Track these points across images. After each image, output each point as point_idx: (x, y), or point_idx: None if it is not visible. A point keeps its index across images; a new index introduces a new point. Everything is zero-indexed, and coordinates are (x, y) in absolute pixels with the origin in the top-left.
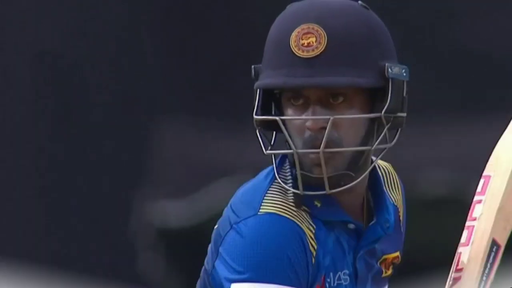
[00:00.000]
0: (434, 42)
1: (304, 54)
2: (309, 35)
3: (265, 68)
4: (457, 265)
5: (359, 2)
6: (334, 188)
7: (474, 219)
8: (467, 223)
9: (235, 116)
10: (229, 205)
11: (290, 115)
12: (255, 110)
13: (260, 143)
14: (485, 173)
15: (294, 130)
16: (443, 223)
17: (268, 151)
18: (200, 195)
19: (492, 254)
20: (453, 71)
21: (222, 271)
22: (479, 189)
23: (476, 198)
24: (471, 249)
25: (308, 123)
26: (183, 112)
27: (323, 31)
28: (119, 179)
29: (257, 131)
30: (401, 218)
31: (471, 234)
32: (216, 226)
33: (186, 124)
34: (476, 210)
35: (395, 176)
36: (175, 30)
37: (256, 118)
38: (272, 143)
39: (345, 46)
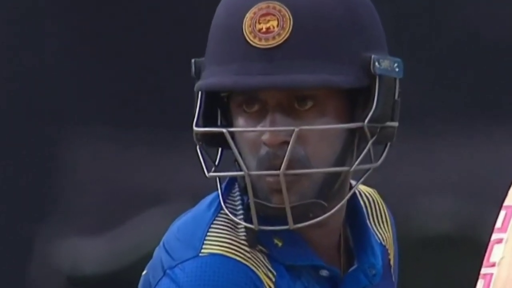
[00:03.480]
0: (434, 29)
1: (262, 44)
2: (269, 17)
3: (209, 63)
4: None
5: None
6: (299, 222)
7: (493, 265)
8: (483, 270)
9: (168, 128)
10: (161, 243)
11: (241, 125)
12: (195, 119)
13: (201, 163)
14: (506, 202)
15: (247, 145)
16: (448, 269)
17: (211, 173)
18: (123, 230)
19: None
20: (460, 67)
21: None
22: (498, 224)
23: (495, 236)
24: None
25: (265, 137)
26: (100, 123)
27: (288, 11)
28: (15, 210)
29: (197, 147)
30: (391, 262)
31: (488, 285)
32: (144, 272)
33: (105, 138)
34: (495, 253)
35: (383, 206)
36: (88, 19)
37: (197, 131)
38: (217, 162)
39: (316, 32)
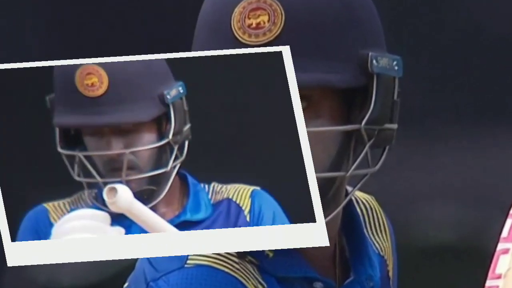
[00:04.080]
0: (435, 26)
1: (252, 40)
2: (259, 12)
3: None
4: None
5: None
6: None
7: (499, 277)
8: (489, 282)
9: None
10: None
11: None
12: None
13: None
14: None
15: None
16: (451, 280)
17: None
18: None
19: None
20: (463, 66)
21: None
22: (504, 233)
23: (500, 246)
24: None
25: None
26: None
27: (280, 6)
28: None
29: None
30: (390, 273)
31: None
32: (126, 285)
33: None
34: (502, 264)
35: (381, 214)
36: (70, 16)
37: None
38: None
39: (310, 28)
